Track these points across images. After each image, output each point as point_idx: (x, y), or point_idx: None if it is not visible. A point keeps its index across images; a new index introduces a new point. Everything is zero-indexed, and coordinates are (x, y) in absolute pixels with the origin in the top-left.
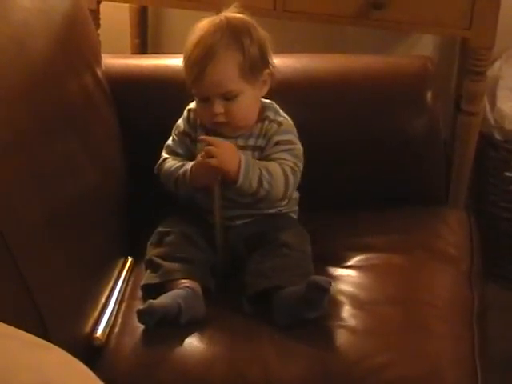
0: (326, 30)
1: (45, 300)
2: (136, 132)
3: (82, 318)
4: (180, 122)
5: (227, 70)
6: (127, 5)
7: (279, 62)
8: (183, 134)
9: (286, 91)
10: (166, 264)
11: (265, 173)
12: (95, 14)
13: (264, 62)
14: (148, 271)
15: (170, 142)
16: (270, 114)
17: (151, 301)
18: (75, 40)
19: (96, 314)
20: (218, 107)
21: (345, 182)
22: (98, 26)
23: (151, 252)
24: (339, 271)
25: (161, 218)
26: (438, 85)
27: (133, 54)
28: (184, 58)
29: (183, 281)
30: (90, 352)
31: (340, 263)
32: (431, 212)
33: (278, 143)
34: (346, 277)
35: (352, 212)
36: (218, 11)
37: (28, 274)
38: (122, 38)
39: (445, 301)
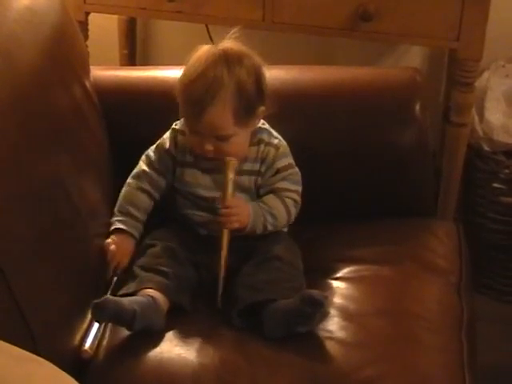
0: (315, 42)
1: (33, 313)
2: (125, 144)
3: (70, 331)
4: (166, 139)
5: (224, 116)
6: (116, 16)
7: (268, 73)
8: (167, 154)
9: (275, 103)
10: (143, 274)
11: (269, 218)
12: (84, 25)
13: (259, 97)
14: (129, 280)
15: (151, 152)
16: (265, 137)
17: (107, 296)
18: (64, 52)
19: (84, 326)
20: (209, 146)
21: (333, 194)
22: (86, 37)
23: (135, 262)
24: (328, 283)
25: (150, 229)
26: (426, 96)
27: (121, 65)
28: (182, 90)
29: (149, 290)
30: (78, 365)
31: (329, 275)
32: (420, 224)
33: (278, 171)
34: (336, 288)
35: (341, 224)
36: (215, 42)
37: (17, 288)
38: (111, 49)
39: (434, 312)
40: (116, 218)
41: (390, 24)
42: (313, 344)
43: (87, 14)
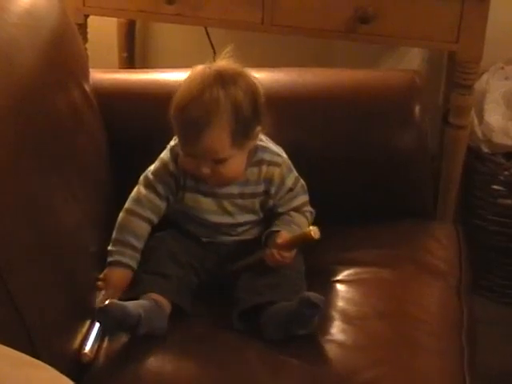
0: (314, 44)
1: (33, 317)
2: (124, 147)
3: (70, 335)
4: (166, 158)
5: (221, 139)
6: (115, 19)
7: (267, 76)
8: (169, 175)
9: (274, 105)
10: (145, 277)
11: None
12: (83, 28)
13: (256, 117)
14: (133, 284)
15: (150, 174)
16: (265, 156)
17: (112, 301)
18: (63, 55)
19: (84, 330)
20: (206, 169)
21: (333, 197)
22: (85, 40)
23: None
24: (328, 285)
25: (151, 232)
26: (425, 98)
27: (120, 67)
28: (177, 113)
29: (153, 294)
30: (78, 368)
31: (329, 277)
32: (419, 226)
33: (291, 189)
34: (336, 291)
35: (340, 227)
36: (210, 61)
37: (16, 292)
38: (110, 52)
39: (434, 315)
40: (114, 248)
41: (389, 26)
42: (313, 347)
43: (86, 16)
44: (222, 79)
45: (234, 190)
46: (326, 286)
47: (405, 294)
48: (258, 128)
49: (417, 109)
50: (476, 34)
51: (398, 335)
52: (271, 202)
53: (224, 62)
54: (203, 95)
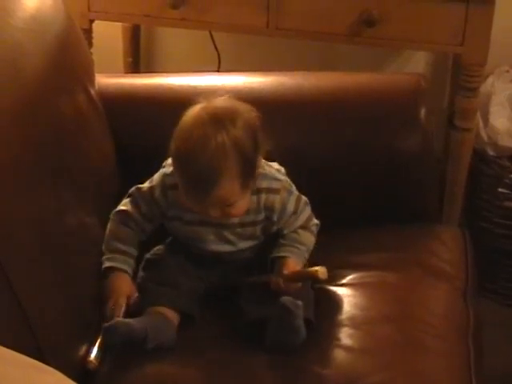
0: (319, 48)
1: (40, 324)
2: (130, 151)
3: (75, 342)
4: (156, 186)
5: (232, 186)
6: (120, 24)
7: (272, 79)
8: (155, 203)
9: (278, 109)
10: (152, 288)
11: (306, 254)
12: (88, 33)
13: (257, 152)
14: (139, 296)
15: (136, 192)
16: (263, 183)
17: (117, 318)
18: (68, 60)
19: (90, 337)
20: (215, 212)
21: (337, 200)
22: (90, 45)
23: (140, 277)
24: (334, 289)
25: (153, 241)
26: (430, 102)
27: (126, 72)
28: (183, 169)
29: (159, 307)
30: (83, 376)
31: (335, 282)
32: (425, 229)
33: (294, 212)
34: (342, 295)
35: (345, 230)
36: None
37: (23, 299)
38: (115, 57)
39: (440, 318)
40: (105, 257)
41: (394, 29)
42: (320, 351)
43: (91, 21)
44: (222, 123)
45: (234, 219)
46: (331, 290)
47: (411, 296)
48: (260, 160)
49: (422, 112)
50: (481, 37)
51: (405, 338)
52: (274, 228)
53: (217, 103)
54: (208, 144)
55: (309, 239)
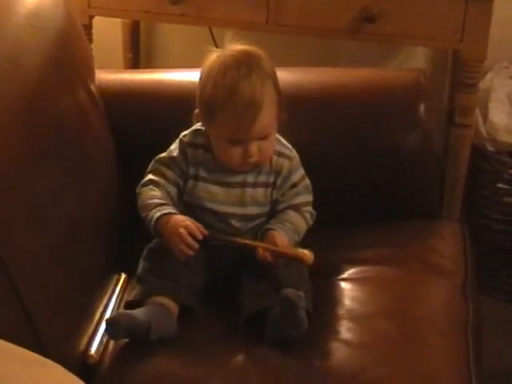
0: (319, 44)
1: (40, 318)
2: (130, 147)
3: (76, 336)
4: (174, 150)
5: (272, 113)
6: (119, 20)
7: None
8: (175, 164)
9: None
10: (152, 280)
11: (295, 236)
12: (88, 29)
13: (279, 88)
14: (137, 287)
15: (156, 163)
16: (277, 147)
17: (119, 311)
18: (69, 56)
19: (90, 331)
20: (254, 148)
21: (338, 197)
22: (90, 41)
23: (141, 268)
24: (334, 284)
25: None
26: (430, 98)
27: (126, 68)
28: (226, 100)
29: (159, 297)
30: (84, 370)
31: (335, 276)
32: (425, 225)
33: (294, 185)
34: (341, 290)
35: (346, 226)
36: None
37: (25, 294)
38: (115, 53)
39: (439, 314)
40: (150, 215)
41: (393, 26)
42: (319, 345)
43: (91, 17)
44: (250, 55)
45: (250, 178)
46: (332, 285)
47: (410, 292)
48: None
49: (422, 108)
50: (480, 33)
51: (404, 333)
52: (275, 194)
53: (235, 48)
54: (246, 74)
55: (298, 221)
